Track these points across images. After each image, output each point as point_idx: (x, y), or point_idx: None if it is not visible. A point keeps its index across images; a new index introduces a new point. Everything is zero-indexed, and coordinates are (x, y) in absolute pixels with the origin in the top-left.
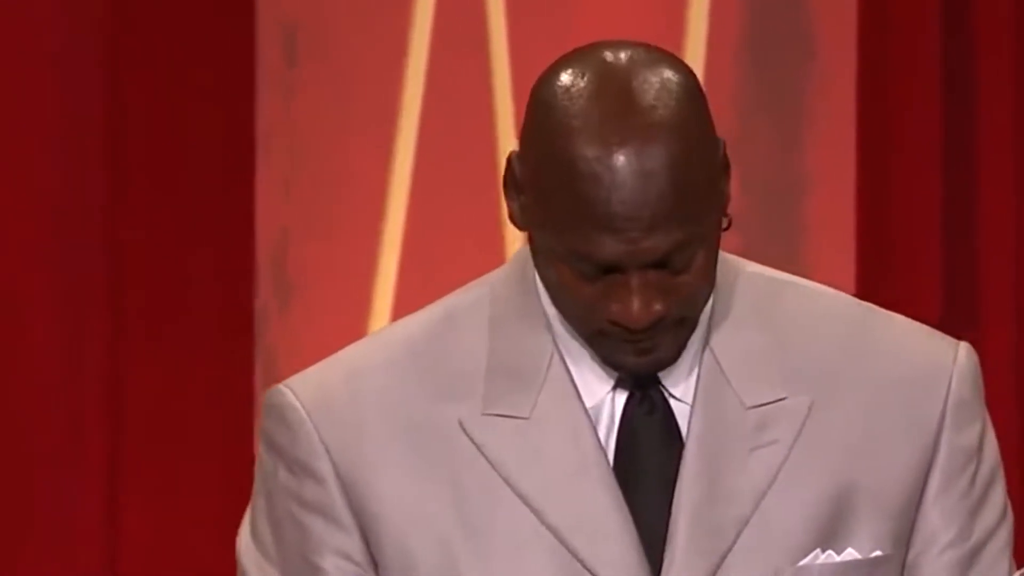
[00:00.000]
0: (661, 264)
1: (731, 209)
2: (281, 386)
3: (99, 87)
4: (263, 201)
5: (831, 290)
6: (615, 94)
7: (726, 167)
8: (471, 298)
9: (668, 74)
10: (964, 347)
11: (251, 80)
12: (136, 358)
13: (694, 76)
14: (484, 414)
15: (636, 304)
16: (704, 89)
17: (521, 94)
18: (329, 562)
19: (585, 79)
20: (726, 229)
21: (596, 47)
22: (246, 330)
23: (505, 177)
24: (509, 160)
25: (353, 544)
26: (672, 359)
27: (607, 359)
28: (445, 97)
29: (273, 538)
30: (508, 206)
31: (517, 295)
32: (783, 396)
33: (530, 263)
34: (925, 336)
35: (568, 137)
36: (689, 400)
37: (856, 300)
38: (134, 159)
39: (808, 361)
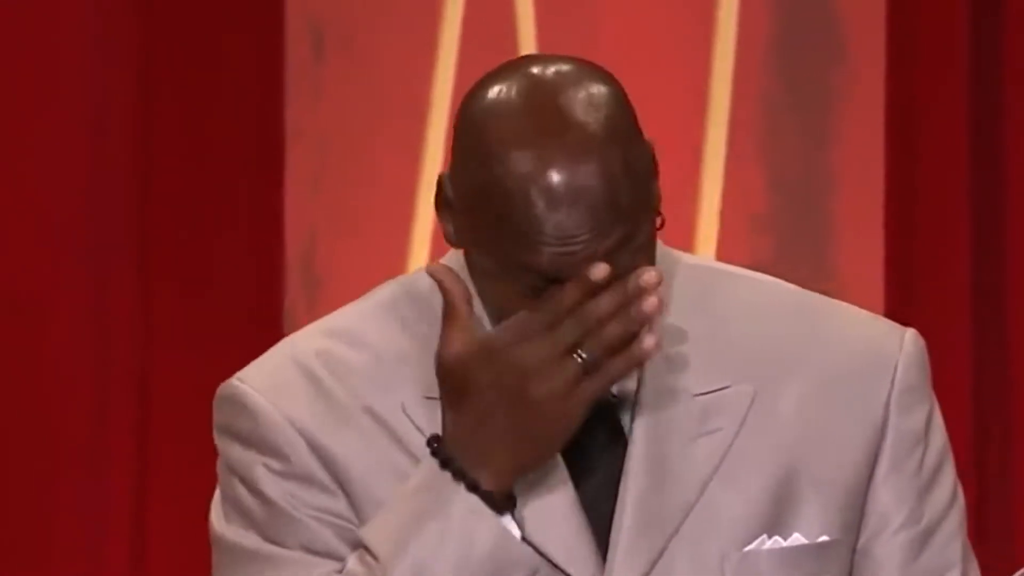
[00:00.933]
0: None
1: (759, 207)
2: (229, 380)
3: (129, 86)
4: (292, 198)
5: (773, 279)
6: (545, 111)
7: (656, 169)
8: (414, 286)
9: (595, 88)
10: (911, 333)
11: (280, 78)
12: (165, 356)
13: (620, 86)
14: (426, 397)
15: None
16: (733, 88)
17: None
18: (318, 519)
19: (513, 96)
20: (660, 228)
21: (522, 64)
22: (275, 327)
23: (436, 198)
24: (440, 181)
25: (339, 505)
26: None
27: None
28: None
29: (261, 511)
30: (442, 227)
31: None
32: (727, 385)
33: None
34: (871, 323)
35: (500, 157)
36: (634, 388)
37: (799, 288)
38: (163, 156)
39: (751, 350)
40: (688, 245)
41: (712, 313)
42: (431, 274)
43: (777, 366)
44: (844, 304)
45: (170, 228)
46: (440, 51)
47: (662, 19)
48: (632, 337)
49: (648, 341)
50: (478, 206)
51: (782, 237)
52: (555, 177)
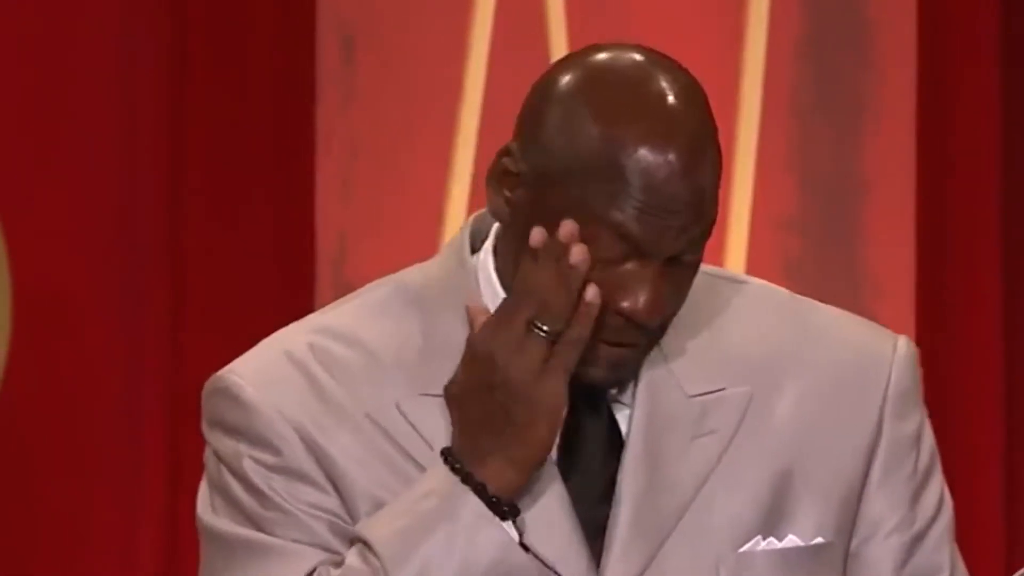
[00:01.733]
0: (679, 256)
1: (790, 210)
2: (220, 373)
3: (160, 89)
4: (323, 202)
5: (762, 282)
6: (652, 89)
7: None
8: (404, 284)
9: (686, 78)
10: (904, 339)
11: (311, 81)
12: (196, 363)
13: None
14: (421, 395)
15: (653, 296)
16: (764, 91)
17: None
18: (309, 513)
19: (613, 72)
20: None
21: (605, 48)
22: None
23: (494, 170)
24: (506, 152)
25: (331, 502)
26: (632, 376)
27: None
28: (504, 97)
29: (252, 503)
30: (494, 199)
31: (454, 283)
32: (723, 387)
33: (467, 251)
34: (865, 327)
35: (605, 127)
36: (633, 391)
37: (791, 293)
38: (194, 161)
39: (747, 353)
40: (718, 247)
41: (708, 316)
42: (470, 312)
43: (773, 369)
44: (835, 308)
45: (200, 231)
46: (471, 53)
47: (693, 21)
48: (578, 297)
49: (589, 292)
50: (568, 172)
51: (812, 239)
52: (668, 151)
